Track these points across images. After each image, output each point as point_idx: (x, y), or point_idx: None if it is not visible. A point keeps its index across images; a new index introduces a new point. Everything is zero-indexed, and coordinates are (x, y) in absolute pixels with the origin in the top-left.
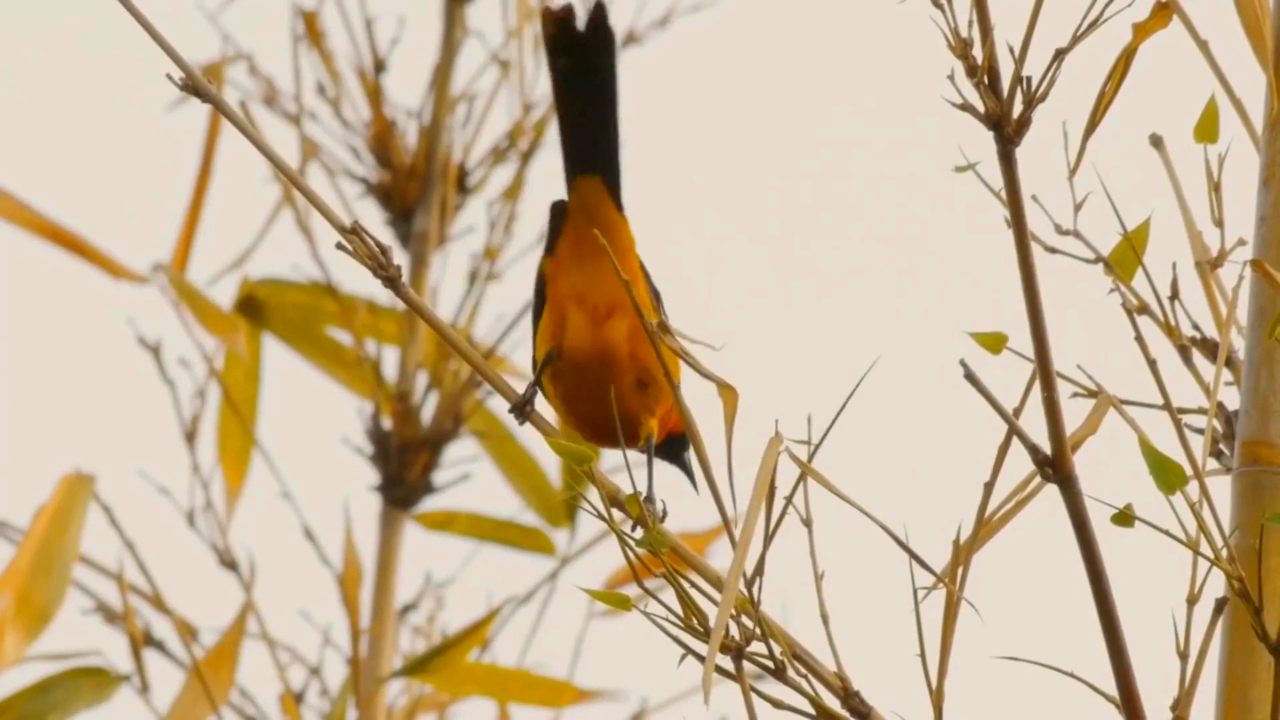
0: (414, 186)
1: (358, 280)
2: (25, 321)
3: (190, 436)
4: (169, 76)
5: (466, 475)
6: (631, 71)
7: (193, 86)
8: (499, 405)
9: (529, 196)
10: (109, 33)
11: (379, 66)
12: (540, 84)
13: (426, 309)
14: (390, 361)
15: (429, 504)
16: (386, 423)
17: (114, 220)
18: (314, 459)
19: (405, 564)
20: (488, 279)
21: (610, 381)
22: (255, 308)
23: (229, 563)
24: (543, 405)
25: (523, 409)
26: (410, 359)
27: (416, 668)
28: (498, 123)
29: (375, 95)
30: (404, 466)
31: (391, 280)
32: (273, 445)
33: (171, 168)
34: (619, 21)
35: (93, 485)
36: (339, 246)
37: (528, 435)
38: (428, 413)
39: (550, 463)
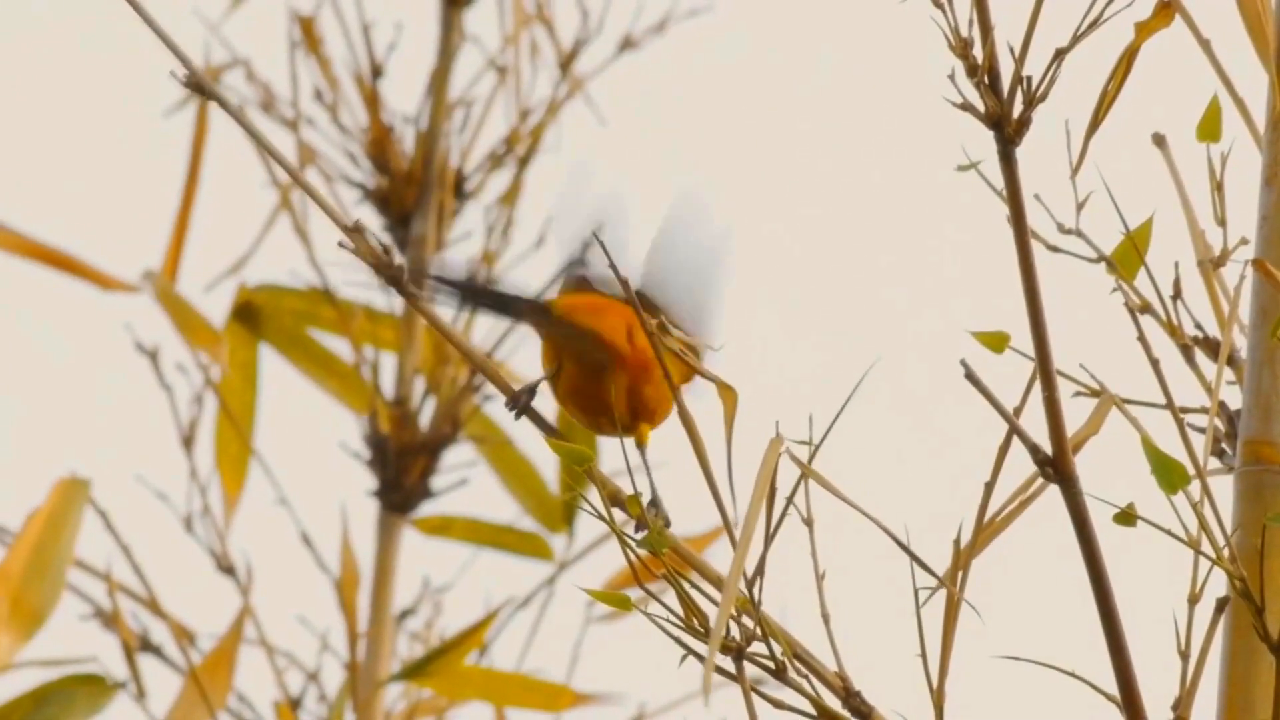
0: (411, 192)
1: (354, 286)
2: (20, 325)
3: (188, 442)
4: (172, 73)
5: (464, 480)
6: (628, 77)
7: (195, 84)
8: (497, 411)
9: (526, 202)
10: (99, 37)
11: (376, 72)
12: (537, 89)
13: (428, 308)
14: (388, 367)
15: (427, 509)
16: (384, 428)
17: (111, 226)
18: (311, 463)
19: (403, 569)
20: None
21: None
22: (252, 314)
23: (226, 568)
24: (539, 404)
25: (518, 400)
26: (408, 364)
27: (414, 672)
28: (495, 128)
29: (372, 101)
30: (402, 471)
31: (394, 280)
32: (270, 450)
33: (169, 173)
34: (616, 26)
35: (88, 489)
36: (341, 246)
37: (525, 440)
38: (425, 418)
39: (548, 468)
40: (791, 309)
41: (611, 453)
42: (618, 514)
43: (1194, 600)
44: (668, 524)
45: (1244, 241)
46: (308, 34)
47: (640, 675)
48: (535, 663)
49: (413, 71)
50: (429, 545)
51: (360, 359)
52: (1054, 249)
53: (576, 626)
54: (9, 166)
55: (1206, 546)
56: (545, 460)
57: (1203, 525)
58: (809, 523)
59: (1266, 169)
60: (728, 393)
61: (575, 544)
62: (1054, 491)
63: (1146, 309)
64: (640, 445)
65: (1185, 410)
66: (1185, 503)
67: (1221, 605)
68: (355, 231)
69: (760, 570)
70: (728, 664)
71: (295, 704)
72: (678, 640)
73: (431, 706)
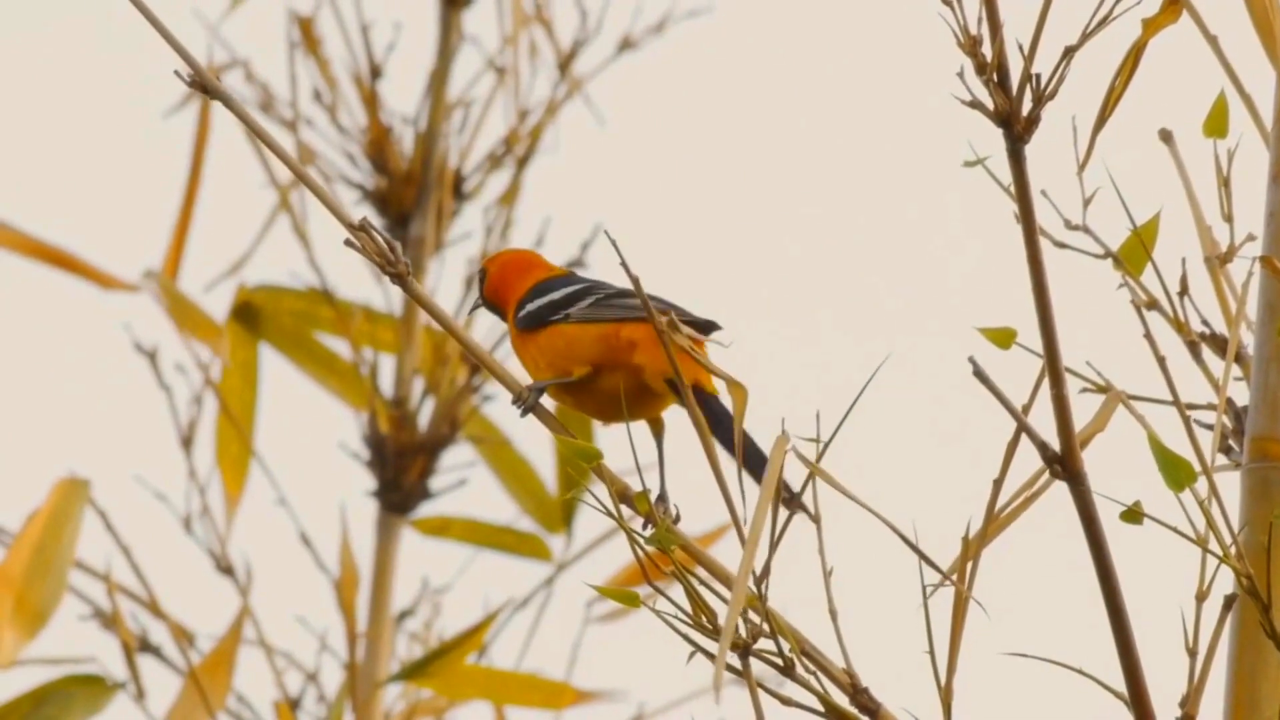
0: (410, 192)
1: (354, 286)
2: (20, 327)
3: (187, 442)
4: (176, 73)
5: (463, 481)
6: (627, 77)
7: (200, 83)
8: (495, 411)
9: (525, 202)
10: (100, 39)
11: (375, 73)
12: (536, 90)
13: (434, 305)
14: (386, 368)
15: (426, 509)
16: (383, 428)
17: (111, 226)
18: (311, 464)
19: (402, 569)
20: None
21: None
22: (251, 314)
23: (226, 568)
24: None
25: (523, 399)
26: (406, 365)
27: (414, 672)
28: (494, 128)
29: (371, 101)
30: (401, 472)
31: (400, 277)
32: (270, 450)
33: (169, 174)
34: (615, 27)
35: (87, 490)
36: (347, 244)
37: (524, 441)
38: (424, 418)
39: (547, 468)
40: (798, 307)
41: (617, 451)
42: (625, 511)
43: (1201, 597)
44: (677, 520)
45: (1251, 238)
46: (307, 34)
47: (639, 675)
48: (534, 663)
49: (412, 72)
50: (428, 546)
51: (359, 359)
52: (1061, 245)
53: (575, 627)
54: (11, 165)
55: (1214, 544)
56: (544, 461)
57: (1210, 523)
58: (817, 520)
59: (1274, 165)
60: (738, 390)
61: (574, 544)
62: (1061, 488)
63: (1153, 305)
64: (658, 433)
65: (1192, 407)
66: (1192, 500)
67: (1229, 602)
68: (361, 230)
69: (768, 567)
70: (735, 660)
71: (294, 704)
72: (685, 637)
73: (431, 706)
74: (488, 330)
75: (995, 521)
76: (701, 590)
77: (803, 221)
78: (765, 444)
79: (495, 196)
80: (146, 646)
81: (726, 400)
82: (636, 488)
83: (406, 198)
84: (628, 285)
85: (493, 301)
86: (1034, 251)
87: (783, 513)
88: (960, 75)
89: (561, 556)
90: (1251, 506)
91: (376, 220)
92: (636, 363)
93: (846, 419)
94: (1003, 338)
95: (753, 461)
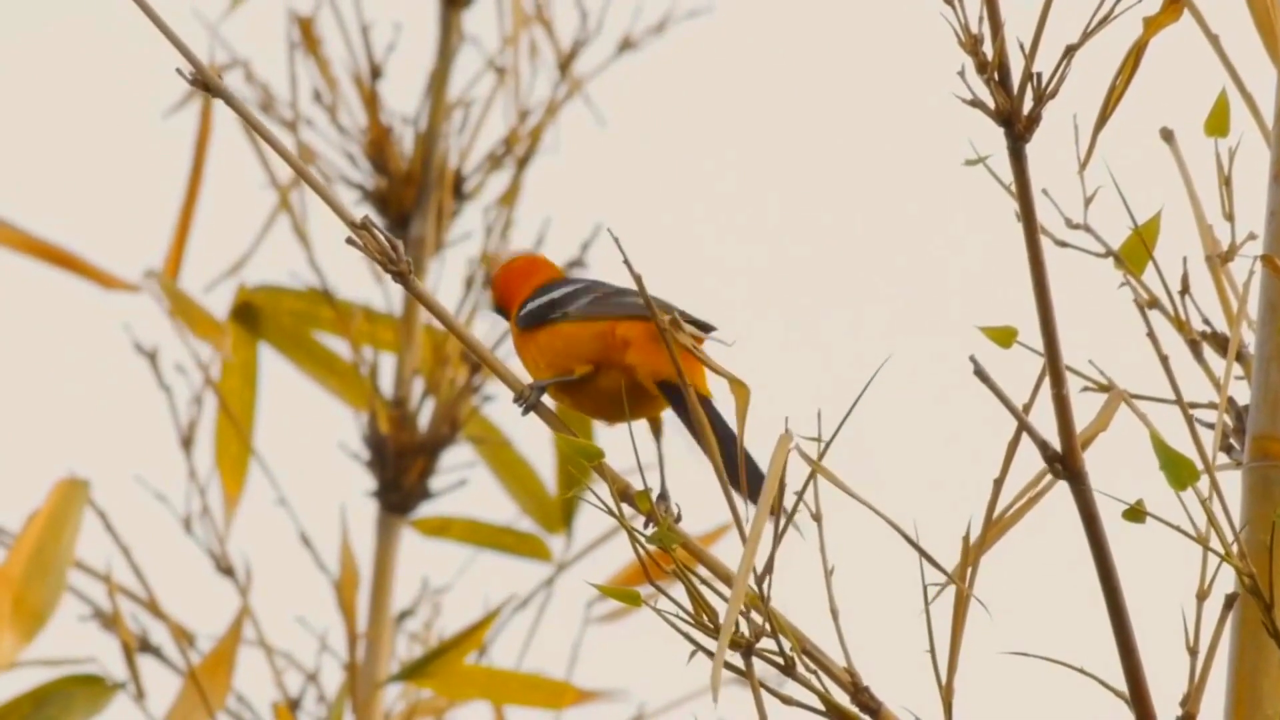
0: (410, 193)
1: (354, 287)
2: (20, 327)
3: (187, 443)
4: (178, 71)
5: (463, 481)
6: (627, 78)
7: (202, 82)
8: (495, 411)
9: (525, 202)
10: (101, 38)
11: (375, 73)
12: (536, 90)
13: (436, 303)
14: (386, 368)
15: (426, 510)
16: (383, 428)
17: (112, 225)
18: (310, 464)
19: (402, 570)
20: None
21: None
22: (251, 315)
23: (226, 569)
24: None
25: (525, 397)
26: (407, 365)
27: (414, 672)
28: (494, 129)
29: (371, 102)
30: (401, 472)
31: (402, 275)
32: (270, 450)
33: (170, 173)
34: (615, 27)
35: (87, 490)
36: (349, 242)
37: (524, 441)
38: (424, 418)
39: (547, 469)
40: (798, 307)
41: (618, 450)
42: (626, 510)
43: (1202, 596)
44: (678, 519)
45: (1252, 237)
46: (307, 35)
47: (640, 675)
48: (534, 663)
49: (412, 72)
50: (428, 546)
51: (359, 359)
52: (1062, 244)
53: (575, 627)
54: (11, 165)
55: (1215, 543)
56: (544, 461)
57: (1211, 521)
58: (818, 518)
59: (1275, 164)
60: (740, 389)
61: (574, 544)
62: (1063, 488)
63: (1154, 304)
64: (659, 431)
65: (1194, 406)
66: (1194, 499)
67: (1230, 601)
68: (362, 228)
69: (770, 566)
70: (737, 660)
71: (294, 705)
72: (687, 636)
73: (431, 707)
74: (488, 329)
75: (997, 521)
76: (703, 589)
77: (803, 221)
78: (766, 443)
79: (495, 196)
80: (146, 646)
81: (720, 403)
82: (637, 486)
83: (406, 198)
84: (629, 285)
85: (499, 306)
86: (1035, 250)
87: (784, 512)
88: (961, 74)
89: (562, 556)
90: (1253, 505)
91: (377, 220)
92: (629, 362)
93: (848, 419)
94: (1004, 337)
95: (751, 476)
